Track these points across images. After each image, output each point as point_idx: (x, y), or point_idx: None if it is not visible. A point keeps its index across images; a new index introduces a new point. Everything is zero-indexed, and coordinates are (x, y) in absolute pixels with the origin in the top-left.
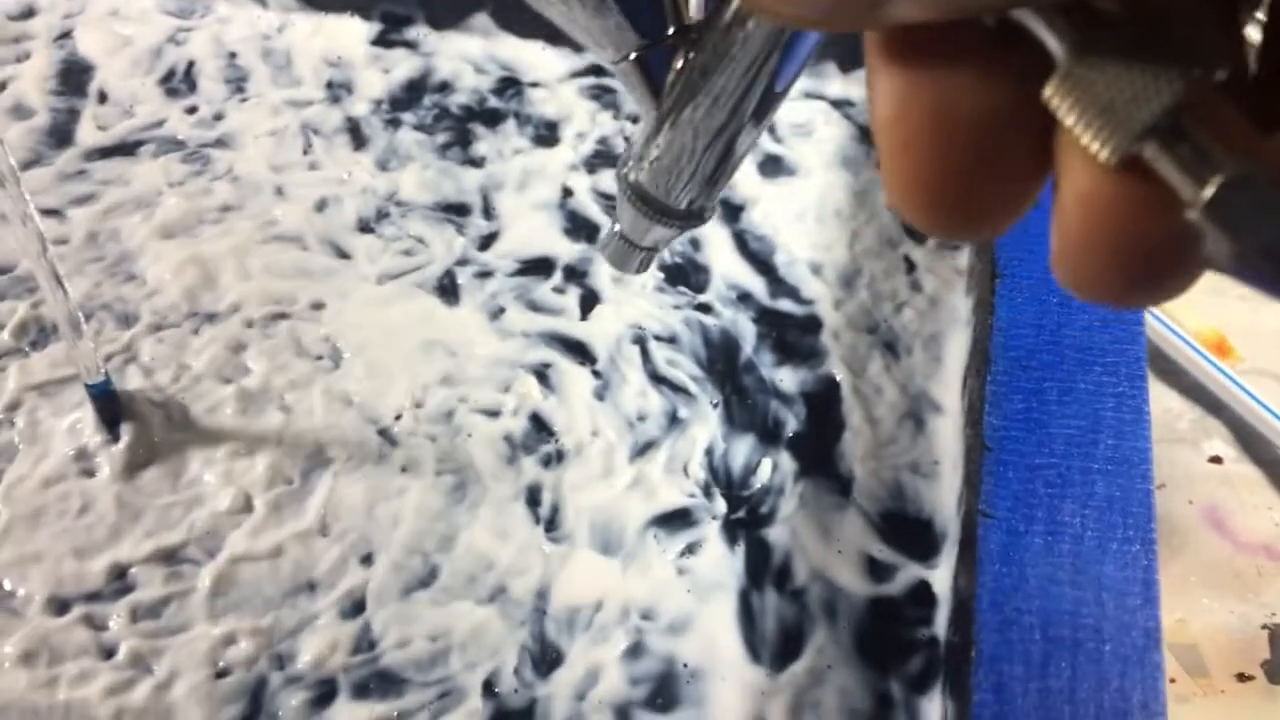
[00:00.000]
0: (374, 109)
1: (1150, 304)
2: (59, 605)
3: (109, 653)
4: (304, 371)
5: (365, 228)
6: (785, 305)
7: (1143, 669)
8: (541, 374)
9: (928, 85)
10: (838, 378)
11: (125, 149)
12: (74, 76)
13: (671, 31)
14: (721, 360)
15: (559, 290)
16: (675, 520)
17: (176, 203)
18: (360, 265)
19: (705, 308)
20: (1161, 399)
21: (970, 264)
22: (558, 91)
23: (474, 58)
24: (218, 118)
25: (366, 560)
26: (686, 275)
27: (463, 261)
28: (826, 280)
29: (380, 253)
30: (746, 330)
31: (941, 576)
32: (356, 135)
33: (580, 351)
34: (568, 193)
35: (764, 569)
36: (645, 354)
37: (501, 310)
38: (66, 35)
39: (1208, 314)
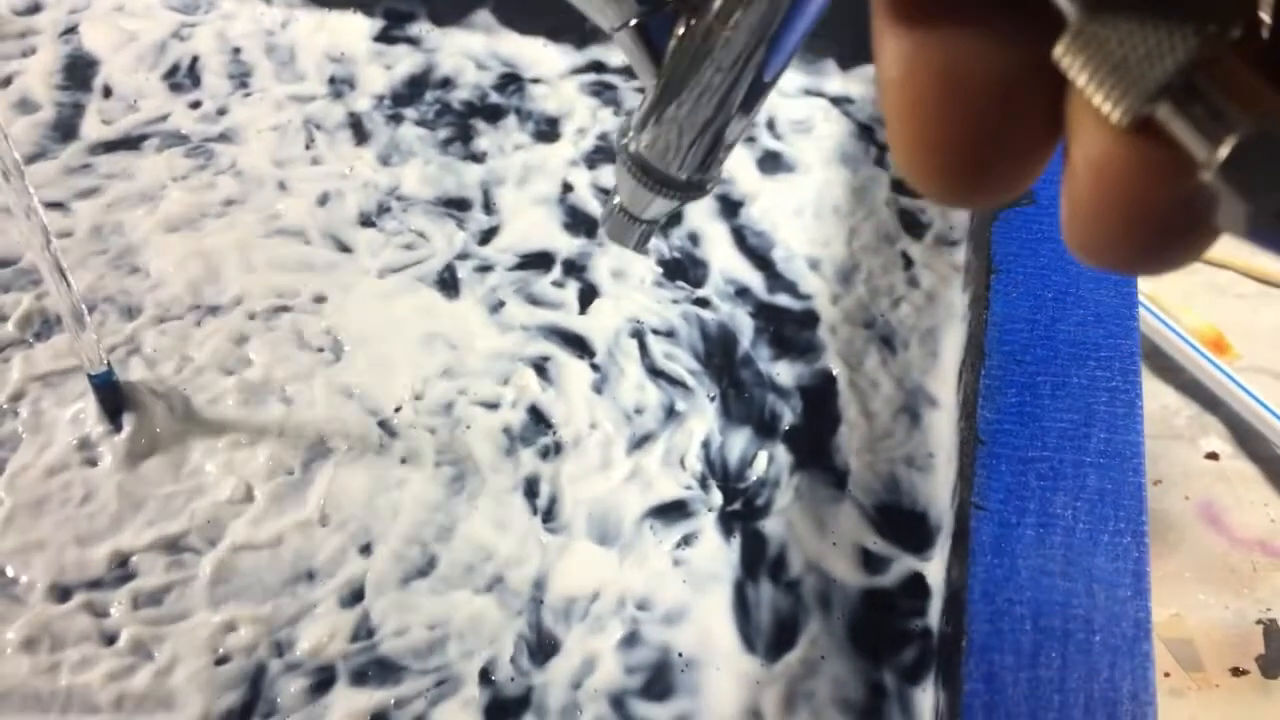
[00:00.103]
0: (376, 104)
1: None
2: (61, 592)
3: (110, 639)
4: (305, 363)
5: (367, 222)
6: (783, 300)
7: (1132, 659)
8: (540, 367)
9: (935, 46)
10: (834, 372)
11: (129, 143)
12: (79, 71)
13: None
14: (719, 354)
15: (558, 284)
16: (672, 512)
17: (180, 196)
18: (362, 259)
19: (703, 302)
20: (1159, 396)
21: (967, 260)
22: (558, 88)
23: (476, 54)
24: (221, 112)
25: (365, 550)
26: (685, 270)
27: (463, 256)
28: (824, 275)
29: (381, 247)
30: (744, 324)
31: (935, 568)
32: (359, 130)
33: (579, 345)
34: (568, 188)
35: (759, 560)
36: (643, 348)
37: (501, 304)
38: (72, 30)
39: (1206, 311)
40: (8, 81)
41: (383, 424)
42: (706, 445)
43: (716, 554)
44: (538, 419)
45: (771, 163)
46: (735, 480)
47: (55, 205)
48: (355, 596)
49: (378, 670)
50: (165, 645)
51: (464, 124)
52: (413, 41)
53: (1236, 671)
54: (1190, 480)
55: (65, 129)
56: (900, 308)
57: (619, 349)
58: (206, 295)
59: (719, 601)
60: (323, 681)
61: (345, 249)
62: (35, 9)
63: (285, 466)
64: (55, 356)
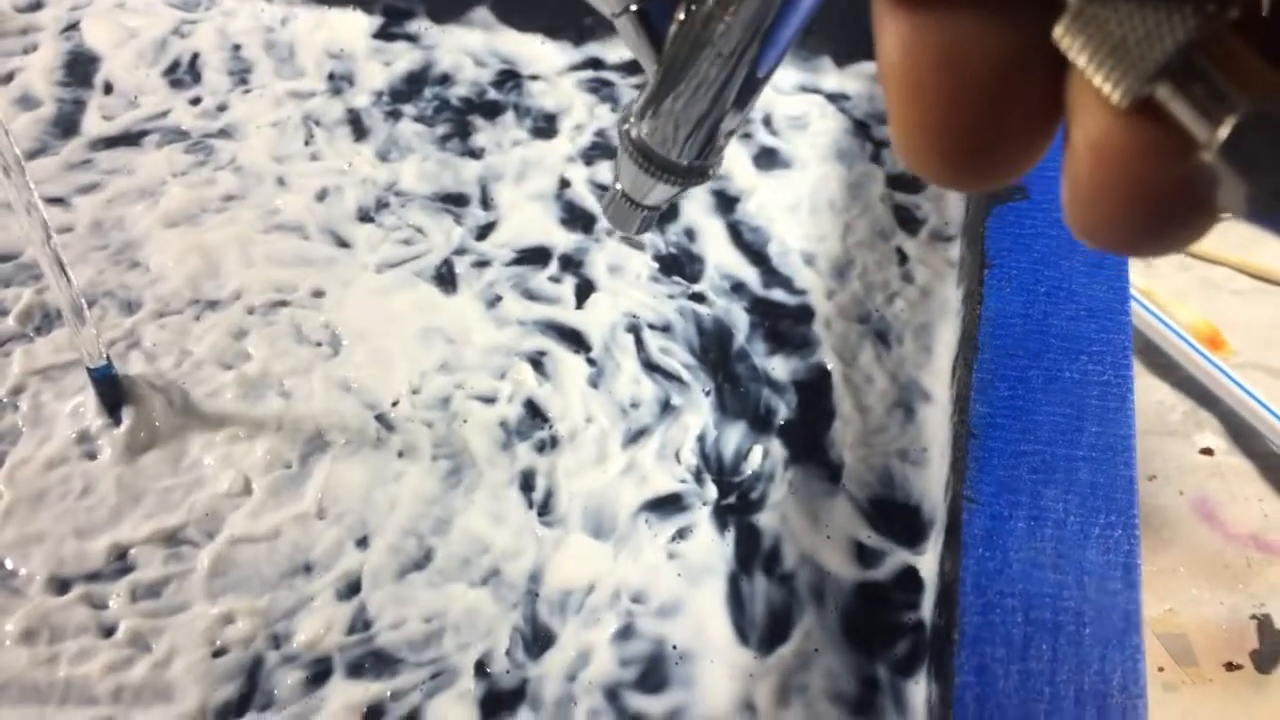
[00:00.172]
0: (375, 101)
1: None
2: (60, 585)
3: (109, 631)
4: (304, 358)
5: (365, 217)
6: (778, 295)
7: (1122, 652)
8: (537, 361)
9: (934, 29)
10: (829, 366)
11: (130, 139)
12: (80, 68)
13: None
14: (714, 349)
15: (555, 279)
16: (667, 506)
17: (180, 192)
18: (360, 254)
19: (699, 297)
20: (1154, 391)
21: (960, 255)
22: (556, 84)
23: (474, 51)
24: (221, 109)
25: (362, 543)
26: (681, 265)
27: (461, 251)
28: (819, 271)
29: (380, 242)
30: (739, 319)
31: (928, 562)
32: (358, 126)
33: (575, 339)
34: (565, 184)
35: (753, 554)
36: (639, 342)
37: (498, 299)
38: (73, 27)
39: (1201, 307)
40: (9, 78)
41: (380, 418)
42: (702, 439)
43: (711, 547)
44: (534, 413)
45: (767, 158)
46: (730, 474)
47: (56, 200)
48: (352, 589)
49: (374, 662)
50: (163, 637)
51: (462, 120)
52: (411, 38)
53: (1230, 666)
54: (1185, 476)
55: (66, 125)
56: (895, 303)
57: (615, 343)
58: (206, 290)
59: (713, 594)
60: (319, 673)
61: (344, 244)
62: (37, 6)
63: (283, 460)
64: (55, 350)
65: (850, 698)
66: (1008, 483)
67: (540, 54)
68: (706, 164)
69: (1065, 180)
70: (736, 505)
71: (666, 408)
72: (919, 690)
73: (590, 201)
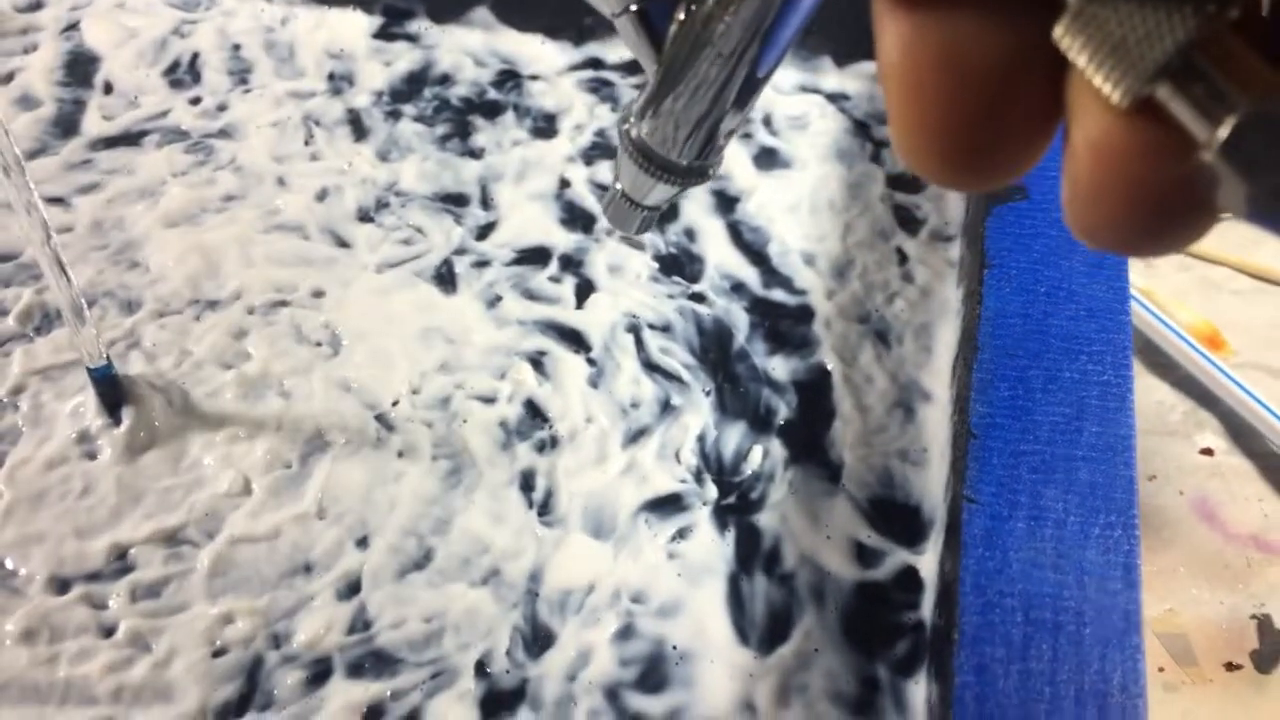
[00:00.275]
0: (375, 101)
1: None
2: (60, 585)
3: (108, 631)
4: (304, 358)
5: (365, 217)
6: (778, 295)
7: (1122, 651)
8: (537, 361)
9: (934, 29)
10: (829, 366)
11: (130, 139)
12: (80, 68)
13: None
14: (714, 349)
15: (555, 279)
16: (667, 505)
17: (180, 192)
18: (360, 254)
19: (699, 297)
20: (1154, 392)
21: (960, 255)
22: (556, 84)
23: (474, 51)
24: (221, 109)
25: (362, 543)
26: (681, 265)
27: (461, 251)
28: (819, 271)
29: (380, 242)
30: (739, 319)
31: (928, 562)
32: (357, 126)
33: (575, 339)
34: (565, 184)
35: (753, 554)
36: (639, 342)
37: (498, 299)
38: (73, 27)
39: (1201, 307)
40: (9, 78)
41: (380, 418)
42: (702, 439)
43: (711, 547)
44: (534, 413)
45: (767, 159)
46: (730, 474)
47: (56, 200)
48: (352, 589)
49: (374, 662)
50: (163, 637)
51: (462, 120)
52: (411, 38)
53: (1230, 666)
54: (1185, 476)
55: (66, 125)
56: (895, 303)
57: (615, 343)
58: (206, 290)
59: (713, 594)
60: (319, 673)
61: (344, 244)
62: (37, 6)
63: (283, 460)
64: (55, 350)
65: (850, 698)
66: (1008, 483)
67: (540, 54)
68: (706, 164)
69: (1065, 180)
70: (736, 505)
71: (666, 408)
72: (919, 690)
73: (590, 201)
